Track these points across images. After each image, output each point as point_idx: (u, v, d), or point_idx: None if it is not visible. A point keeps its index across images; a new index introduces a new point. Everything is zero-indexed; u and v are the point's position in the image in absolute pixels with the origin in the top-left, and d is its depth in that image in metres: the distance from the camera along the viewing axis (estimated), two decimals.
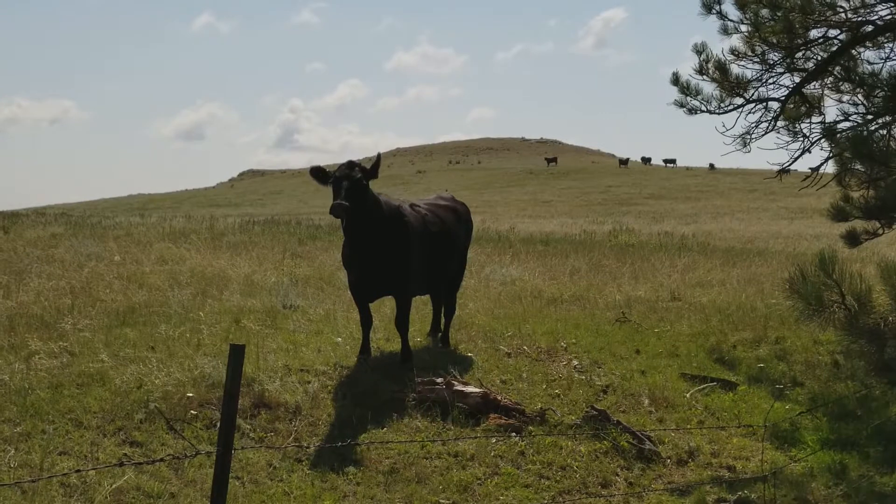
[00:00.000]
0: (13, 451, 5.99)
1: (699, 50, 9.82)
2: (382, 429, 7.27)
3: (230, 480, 4.35)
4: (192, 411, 6.96)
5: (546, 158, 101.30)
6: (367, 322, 8.92)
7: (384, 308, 10.34)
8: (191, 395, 7.12)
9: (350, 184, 8.09)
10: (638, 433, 7.44)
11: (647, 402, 8.45)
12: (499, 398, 7.81)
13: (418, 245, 8.87)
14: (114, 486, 5.65)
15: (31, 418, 6.49)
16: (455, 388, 7.77)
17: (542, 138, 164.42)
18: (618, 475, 6.99)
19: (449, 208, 9.82)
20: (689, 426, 7.96)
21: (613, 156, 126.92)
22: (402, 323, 8.90)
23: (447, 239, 9.45)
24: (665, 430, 7.79)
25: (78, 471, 5.54)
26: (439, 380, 7.93)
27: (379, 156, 8.57)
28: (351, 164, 8.26)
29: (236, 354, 3.86)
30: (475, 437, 7.16)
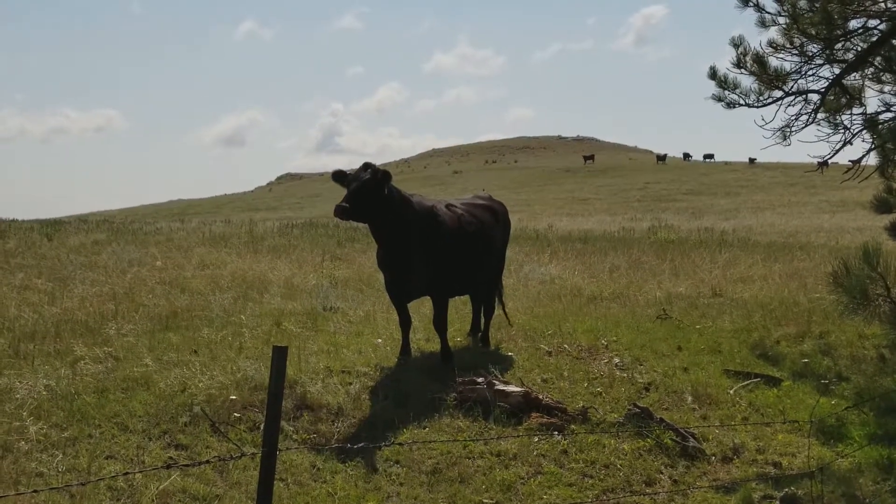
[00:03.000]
0: (61, 456, 6.07)
1: (736, 43, 9.73)
2: (424, 429, 7.27)
3: (275, 482, 4.37)
4: (236, 414, 7.01)
5: (584, 157, 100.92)
6: (405, 323, 8.94)
7: (423, 308, 10.35)
8: (234, 397, 7.18)
9: (357, 185, 8.14)
10: (682, 430, 7.39)
11: (690, 399, 8.39)
12: (540, 397, 7.79)
13: (454, 245, 8.86)
14: (160, 488, 5.71)
15: (77, 423, 6.57)
16: (496, 387, 7.76)
17: (578, 136, 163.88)
18: (662, 473, 6.94)
19: (486, 208, 9.80)
20: (733, 423, 7.89)
21: (651, 152, 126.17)
22: (439, 323, 8.91)
23: (484, 238, 9.42)
24: (709, 427, 7.73)
25: (126, 473, 5.59)
26: (480, 379, 7.92)
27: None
28: (364, 166, 8.30)
29: (279, 356, 3.88)
30: (517, 437, 7.15)
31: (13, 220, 25.32)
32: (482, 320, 9.98)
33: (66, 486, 5.43)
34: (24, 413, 6.53)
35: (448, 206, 9.27)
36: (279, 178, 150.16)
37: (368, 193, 8.16)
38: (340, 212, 7.94)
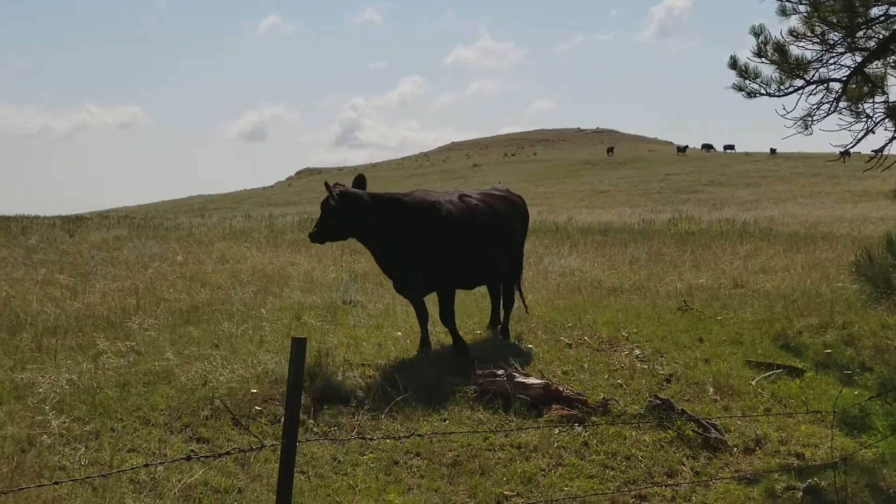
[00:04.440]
0: (83, 449, 6.11)
1: (757, 32, 9.65)
2: (445, 421, 7.27)
3: (295, 475, 4.38)
4: (257, 407, 7.04)
5: (607, 149, 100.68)
6: (423, 316, 8.94)
7: None
8: (255, 391, 7.21)
9: (322, 212, 8.68)
10: (703, 422, 7.35)
11: (711, 390, 8.35)
12: (561, 389, 7.77)
13: (462, 235, 8.87)
14: (182, 481, 5.74)
15: (100, 416, 6.61)
16: (516, 379, 7.75)
17: (598, 128, 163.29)
18: (683, 464, 6.92)
19: (502, 198, 9.78)
20: (755, 414, 7.85)
21: (671, 144, 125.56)
22: (444, 317, 8.93)
23: (499, 229, 9.38)
24: (731, 418, 7.69)
25: (146, 465, 5.63)
26: (500, 372, 7.91)
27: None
28: (326, 187, 8.68)
29: (298, 348, 3.88)
30: (538, 429, 7.13)
31: (35, 217, 25.55)
32: (502, 312, 9.95)
33: (88, 479, 5.46)
34: (47, 407, 6.57)
35: (462, 196, 9.25)
36: (298, 173, 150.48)
37: (333, 216, 8.58)
38: (312, 237, 8.76)
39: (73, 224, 22.50)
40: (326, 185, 8.70)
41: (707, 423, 7.36)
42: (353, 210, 8.56)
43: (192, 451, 6.28)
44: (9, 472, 5.57)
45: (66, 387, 7.07)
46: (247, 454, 6.14)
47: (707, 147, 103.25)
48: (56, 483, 5.10)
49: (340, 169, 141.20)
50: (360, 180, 9.02)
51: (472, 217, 9.06)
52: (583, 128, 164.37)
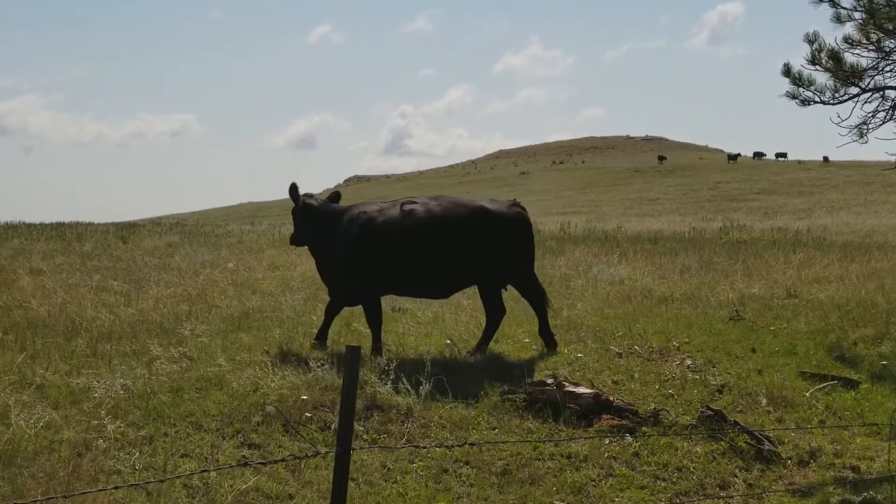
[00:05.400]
0: (138, 454, 6.19)
1: (811, 39, 9.58)
2: (494, 430, 7.26)
3: None
4: (307, 413, 7.08)
5: (658, 157, 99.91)
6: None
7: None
8: (305, 397, 7.25)
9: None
10: (756, 433, 7.26)
11: (764, 401, 8.24)
12: (611, 399, 7.72)
13: (376, 244, 9.07)
14: (234, 487, 5.79)
15: (153, 422, 6.69)
16: (566, 388, 7.71)
17: (647, 136, 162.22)
18: (736, 476, 6.83)
19: (466, 210, 9.27)
20: (809, 426, 7.73)
21: (721, 151, 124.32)
22: (368, 322, 9.32)
23: (441, 240, 9.08)
24: (784, 429, 7.58)
25: (203, 471, 5.69)
26: (550, 381, 7.89)
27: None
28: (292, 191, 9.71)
29: (353, 355, 3.91)
30: (588, 438, 7.09)
31: (89, 223, 25.95)
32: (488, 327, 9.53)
33: (144, 483, 5.54)
34: (102, 412, 6.66)
35: (404, 204, 9.30)
36: (347, 181, 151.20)
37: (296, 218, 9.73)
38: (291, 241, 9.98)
39: (126, 231, 22.83)
40: (293, 187, 9.53)
41: (760, 434, 7.26)
42: (302, 218, 9.55)
43: (244, 456, 6.34)
44: (65, 476, 5.66)
45: (121, 392, 7.17)
46: (297, 461, 6.18)
47: (758, 155, 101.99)
48: (116, 488, 5.17)
49: (388, 177, 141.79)
50: (335, 196, 9.87)
51: (397, 227, 9.05)
52: (632, 135, 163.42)
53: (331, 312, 9.47)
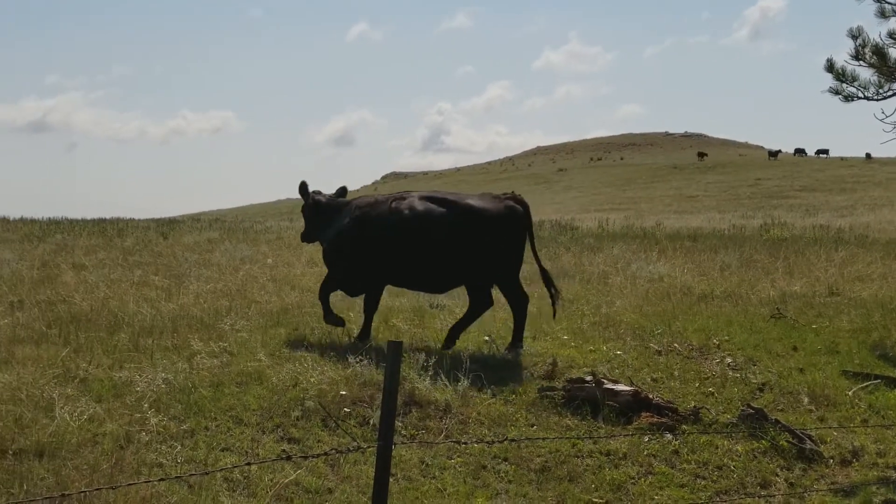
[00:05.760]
0: (179, 447, 6.25)
1: (855, 34, 9.45)
2: (532, 427, 7.25)
3: None
4: (346, 409, 7.11)
5: (698, 153, 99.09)
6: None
7: (532, 307, 10.23)
8: (344, 392, 7.28)
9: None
10: (798, 432, 7.19)
11: (806, 400, 8.15)
12: (650, 396, 7.68)
13: (360, 236, 9.30)
14: (275, 481, 5.83)
15: (195, 416, 6.76)
16: (605, 386, 7.68)
17: (686, 132, 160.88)
18: (777, 475, 6.77)
19: (451, 206, 9.14)
20: (852, 425, 7.64)
21: (762, 148, 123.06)
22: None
23: (421, 236, 9.05)
24: (827, 428, 7.50)
25: (246, 464, 5.74)
26: (589, 378, 7.86)
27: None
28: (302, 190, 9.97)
29: (395, 351, 3.91)
30: (627, 436, 7.06)
31: (130, 219, 26.25)
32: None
33: (186, 476, 5.59)
34: (145, 405, 6.74)
35: (393, 200, 9.41)
36: (384, 177, 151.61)
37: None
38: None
39: (167, 227, 23.07)
40: (303, 185, 9.80)
41: (802, 433, 7.19)
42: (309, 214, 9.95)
43: (284, 450, 6.39)
44: (108, 469, 5.73)
45: (163, 386, 7.24)
46: (337, 455, 6.21)
47: (799, 151, 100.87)
48: (161, 480, 5.23)
49: (426, 173, 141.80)
50: (341, 191, 10.14)
51: (381, 220, 9.21)
52: (671, 132, 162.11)
53: (369, 309, 9.51)
